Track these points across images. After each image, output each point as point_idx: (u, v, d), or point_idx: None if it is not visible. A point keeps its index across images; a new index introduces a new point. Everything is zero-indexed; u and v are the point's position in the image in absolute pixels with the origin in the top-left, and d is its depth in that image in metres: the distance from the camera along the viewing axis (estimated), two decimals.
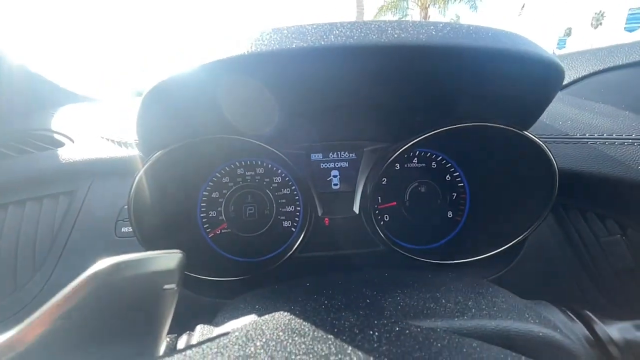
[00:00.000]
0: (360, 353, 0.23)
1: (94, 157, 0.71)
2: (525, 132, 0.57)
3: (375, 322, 0.28)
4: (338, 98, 0.57)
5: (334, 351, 0.23)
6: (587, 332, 0.36)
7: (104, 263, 0.23)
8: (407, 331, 0.26)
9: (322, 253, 0.78)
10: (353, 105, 0.61)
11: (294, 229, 0.79)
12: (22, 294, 0.64)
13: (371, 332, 0.26)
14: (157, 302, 0.26)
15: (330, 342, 0.24)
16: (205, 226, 0.77)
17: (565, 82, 0.78)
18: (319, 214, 0.77)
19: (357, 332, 0.26)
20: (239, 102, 0.52)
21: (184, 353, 0.23)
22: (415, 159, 0.80)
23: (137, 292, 0.24)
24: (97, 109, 0.91)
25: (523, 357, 0.26)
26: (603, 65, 0.73)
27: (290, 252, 0.70)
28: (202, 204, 0.77)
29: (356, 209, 0.77)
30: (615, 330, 0.36)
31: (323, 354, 0.23)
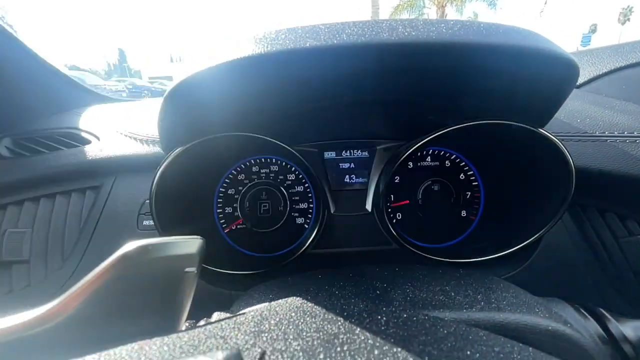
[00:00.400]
0: (368, 334, 0.24)
1: (118, 154, 0.75)
2: (541, 130, 0.56)
3: (384, 309, 0.29)
4: (351, 96, 0.58)
5: (343, 331, 0.24)
6: (600, 330, 0.36)
7: (132, 245, 0.25)
8: (415, 318, 0.27)
9: (334, 250, 0.79)
10: (366, 103, 0.62)
11: (307, 226, 0.81)
12: (52, 282, 0.69)
13: (379, 317, 0.27)
14: (179, 283, 0.28)
15: (339, 323, 0.26)
16: (221, 222, 0.79)
17: (585, 79, 0.76)
18: (332, 211, 0.78)
19: (366, 316, 0.27)
20: (253, 101, 0.54)
21: (203, 328, 0.25)
22: (429, 157, 0.80)
23: (161, 273, 0.26)
24: (120, 108, 0.95)
25: (530, 348, 0.26)
26: (625, 61, 0.70)
27: (303, 249, 0.71)
28: (219, 200, 0.79)
29: (369, 206, 0.78)
30: (630, 329, 0.35)
31: (332, 332, 0.24)
